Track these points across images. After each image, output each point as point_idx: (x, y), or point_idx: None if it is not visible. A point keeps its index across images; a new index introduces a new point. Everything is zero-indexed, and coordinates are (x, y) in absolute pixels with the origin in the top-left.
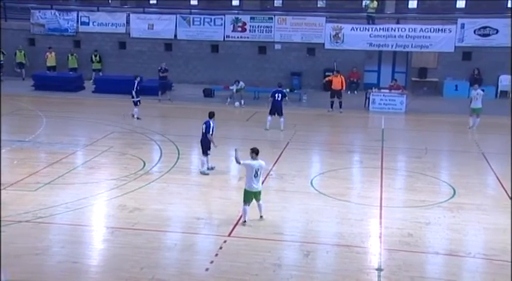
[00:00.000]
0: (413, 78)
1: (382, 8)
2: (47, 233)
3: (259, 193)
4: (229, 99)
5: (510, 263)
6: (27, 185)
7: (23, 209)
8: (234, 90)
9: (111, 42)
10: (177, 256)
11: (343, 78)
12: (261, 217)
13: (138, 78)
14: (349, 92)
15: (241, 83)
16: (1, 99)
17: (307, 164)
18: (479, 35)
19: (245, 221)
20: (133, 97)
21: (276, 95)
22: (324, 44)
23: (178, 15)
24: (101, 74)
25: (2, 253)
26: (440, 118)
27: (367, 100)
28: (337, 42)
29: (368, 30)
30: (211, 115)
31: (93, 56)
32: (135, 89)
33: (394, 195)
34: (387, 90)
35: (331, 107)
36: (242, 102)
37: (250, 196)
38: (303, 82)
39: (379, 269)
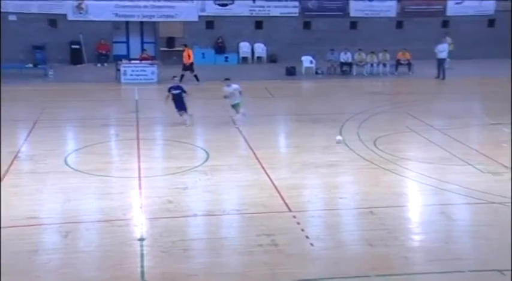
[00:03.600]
0: (162, 48)
1: None
2: None
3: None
4: None
5: None
6: None
7: None
8: None
9: None
10: None
11: (189, 51)
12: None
13: None
14: (99, 65)
15: None
16: None
17: (60, 142)
18: (219, 5)
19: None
20: None
21: None
22: (66, 15)
23: None
24: None
25: None
26: (195, 86)
27: (118, 72)
28: (80, 13)
29: (113, 0)
30: None
31: None
32: None
33: (152, 165)
34: (137, 61)
35: (180, 80)
36: None
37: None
38: (47, 56)
39: (142, 239)
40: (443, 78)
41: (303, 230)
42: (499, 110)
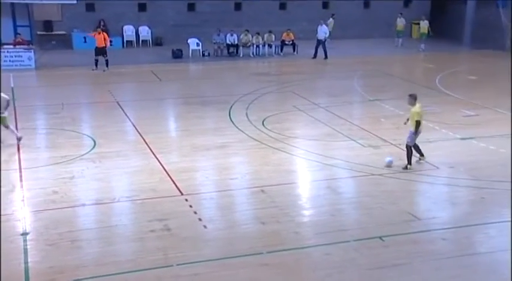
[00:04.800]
0: (39, 32)
1: None
2: None
3: None
4: None
5: None
6: None
7: None
8: None
9: None
10: None
11: (105, 35)
12: None
13: None
14: None
15: None
16: None
17: None
18: None
19: None
20: None
21: None
22: None
23: None
24: None
25: None
26: (73, 71)
27: None
28: None
29: None
30: None
31: None
32: None
33: (33, 155)
34: (11, 46)
35: (96, 65)
36: None
37: None
38: None
39: (25, 234)
40: (326, 57)
41: (195, 212)
42: (376, 87)
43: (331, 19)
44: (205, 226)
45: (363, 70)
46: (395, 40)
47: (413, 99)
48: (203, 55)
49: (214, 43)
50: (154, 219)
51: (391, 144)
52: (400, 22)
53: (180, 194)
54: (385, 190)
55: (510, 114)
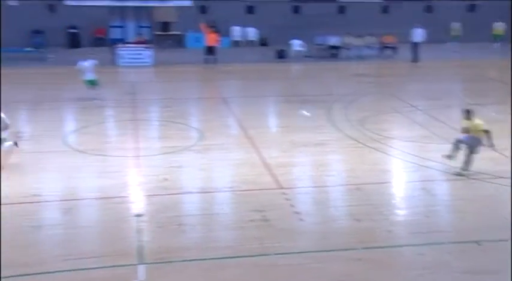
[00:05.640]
0: (157, 32)
1: None
2: None
3: None
4: None
5: None
6: None
7: None
8: None
9: None
10: None
11: (215, 34)
12: None
13: None
14: (95, 48)
15: None
16: None
17: (59, 123)
18: None
19: None
20: None
21: None
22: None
23: None
24: None
25: None
26: (185, 68)
27: (115, 55)
28: None
29: None
30: None
31: None
32: None
33: (148, 144)
34: (134, 45)
35: (207, 62)
36: None
37: None
38: (46, 40)
39: (139, 215)
40: (417, 61)
41: (292, 206)
42: (476, 91)
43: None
44: (301, 219)
45: (462, 74)
46: (493, 44)
47: (468, 113)
48: (305, 56)
49: (317, 44)
50: (254, 210)
51: (489, 148)
52: (499, 26)
53: (278, 187)
54: (481, 194)
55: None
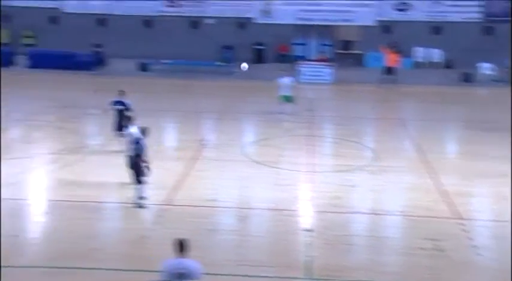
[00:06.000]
0: (338, 51)
1: None
2: None
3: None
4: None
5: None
6: None
7: None
8: None
9: (43, 17)
10: (114, 225)
11: (396, 55)
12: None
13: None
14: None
15: None
16: None
17: (240, 134)
18: (397, 9)
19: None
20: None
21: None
22: (254, 18)
23: None
24: (34, 49)
25: None
26: (363, 87)
27: (297, 72)
28: (267, 17)
29: (296, 5)
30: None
31: (25, 31)
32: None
33: (322, 161)
34: (315, 63)
35: (385, 82)
36: None
37: None
38: (234, 55)
39: (309, 230)
40: None
41: (470, 238)
42: None
43: None
44: (479, 253)
45: None
46: None
47: None
48: (493, 80)
49: (507, 68)
50: (425, 237)
51: None
52: None
53: (455, 217)
54: None
55: None
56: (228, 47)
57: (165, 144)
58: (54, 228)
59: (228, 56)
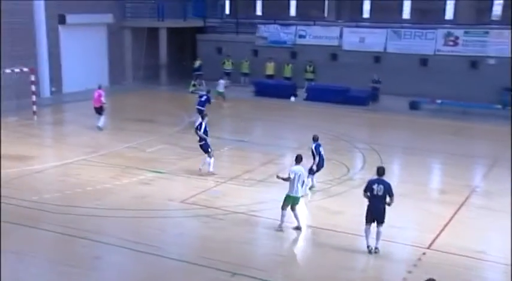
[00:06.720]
0: None
1: None
2: (257, 225)
3: (298, 199)
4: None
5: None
6: (244, 181)
7: (239, 202)
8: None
9: (324, 54)
10: (374, 261)
11: None
12: (298, 228)
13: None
14: None
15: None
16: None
17: None
18: None
19: (281, 225)
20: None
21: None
22: None
23: (389, 29)
24: (313, 83)
25: (215, 238)
26: None
27: None
28: None
29: None
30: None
31: (307, 67)
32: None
33: None
34: None
35: None
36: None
37: (289, 200)
38: None
39: None
40: None
41: None
42: None
43: None
44: None
45: None
46: None
47: None
48: None
49: None
50: None
51: None
52: None
53: None
54: None
55: None
56: (508, 89)
57: (430, 186)
58: (313, 252)
59: (507, 98)
